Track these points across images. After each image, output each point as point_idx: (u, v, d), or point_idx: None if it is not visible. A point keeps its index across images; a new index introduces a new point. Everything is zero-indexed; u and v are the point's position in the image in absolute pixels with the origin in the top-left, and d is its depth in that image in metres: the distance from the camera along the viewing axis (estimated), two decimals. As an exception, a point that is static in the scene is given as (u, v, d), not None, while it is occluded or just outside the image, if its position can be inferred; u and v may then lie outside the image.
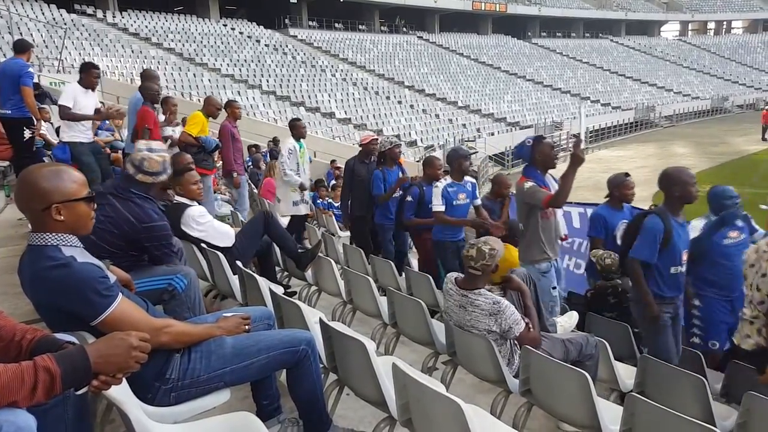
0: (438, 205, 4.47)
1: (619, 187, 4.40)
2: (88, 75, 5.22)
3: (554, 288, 3.77)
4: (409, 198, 4.88)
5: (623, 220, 4.28)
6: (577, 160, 3.38)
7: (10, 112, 5.15)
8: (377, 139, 5.81)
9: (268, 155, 11.53)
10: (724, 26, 57.86)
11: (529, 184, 3.67)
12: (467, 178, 4.69)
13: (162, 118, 5.90)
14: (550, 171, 3.85)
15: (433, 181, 4.83)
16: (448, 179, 4.58)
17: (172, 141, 5.80)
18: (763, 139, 25.79)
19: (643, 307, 3.32)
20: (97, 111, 5.37)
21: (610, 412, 2.33)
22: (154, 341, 1.69)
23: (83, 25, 21.41)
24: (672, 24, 55.16)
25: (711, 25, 57.57)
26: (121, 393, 1.63)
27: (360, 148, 5.78)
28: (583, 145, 3.44)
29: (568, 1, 47.65)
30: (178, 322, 1.97)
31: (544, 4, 44.50)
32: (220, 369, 1.92)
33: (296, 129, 6.30)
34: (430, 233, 4.76)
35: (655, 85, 40.26)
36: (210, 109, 6.00)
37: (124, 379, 1.46)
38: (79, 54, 18.55)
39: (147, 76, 5.76)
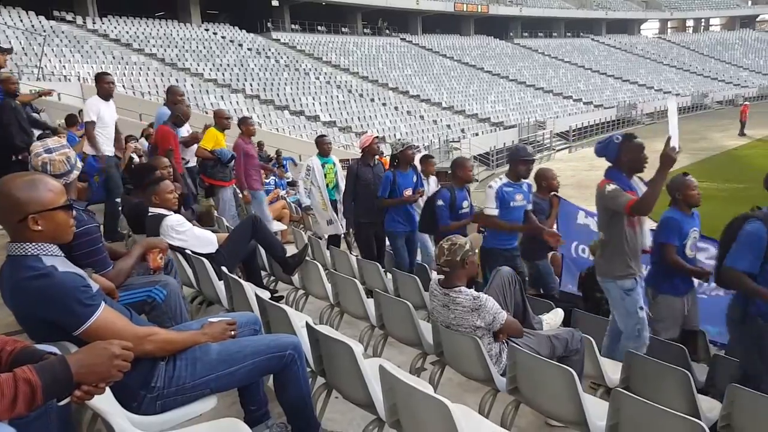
0: (491, 209, 4.09)
1: (681, 189, 3.69)
2: (102, 84, 5.22)
3: (641, 308, 3.28)
4: (440, 202, 4.52)
5: (694, 228, 3.69)
6: (667, 162, 2.95)
7: None
8: (378, 137, 5.59)
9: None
10: (703, 24, 58.92)
11: (611, 186, 3.21)
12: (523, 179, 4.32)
13: (185, 131, 5.87)
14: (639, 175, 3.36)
15: (465, 183, 4.63)
16: (504, 179, 4.20)
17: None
18: (741, 134, 26.27)
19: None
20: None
21: (596, 408, 2.36)
22: (139, 350, 1.68)
23: (63, 32, 21.12)
24: (651, 22, 56.05)
25: (690, 23, 58.57)
26: (105, 403, 1.62)
27: (361, 151, 5.50)
28: (675, 144, 2.96)
29: (549, 1, 48.19)
30: (163, 330, 1.95)
31: (526, 4, 44.93)
32: (206, 376, 1.91)
33: (320, 146, 6.23)
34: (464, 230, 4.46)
35: (636, 83, 40.83)
36: (220, 121, 6.17)
37: (108, 389, 1.45)
38: (59, 61, 18.30)
39: (176, 92, 5.75)
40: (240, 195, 6.82)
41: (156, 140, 5.47)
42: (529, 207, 4.31)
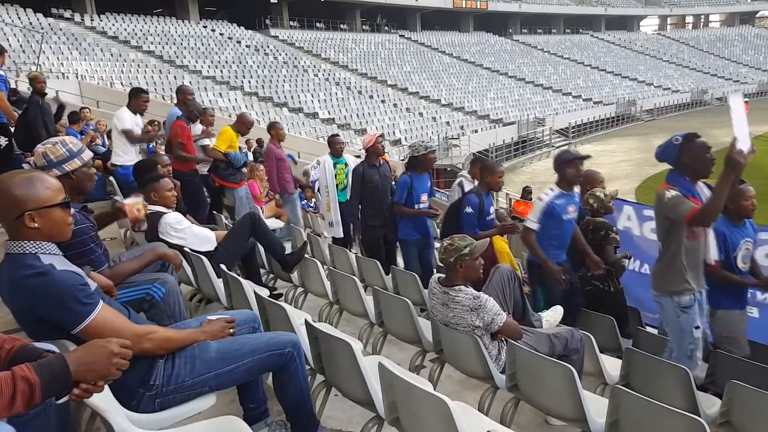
0: (533, 222, 3.68)
1: (735, 198, 3.38)
2: (138, 100, 5.34)
3: (697, 328, 3.00)
4: (469, 209, 4.19)
5: (747, 239, 3.44)
6: (733, 166, 2.64)
7: None
8: (382, 136, 5.40)
9: (249, 155, 11.48)
10: (702, 20, 58.86)
11: (672, 193, 2.88)
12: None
13: (200, 129, 5.94)
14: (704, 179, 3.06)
15: (492, 190, 4.39)
16: (556, 189, 3.73)
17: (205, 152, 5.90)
18: (741, 130, 26.27)
19: None
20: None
21: (596, 405, 2.36)
22: (137, 348, 1.68)
23: (60, 29, 21.07)
24: (651, 18, 55.92)
25: (689, 19, 58.47)
26: (104, 401, 1.62)
27: (365, 152, 5.27)
28: (745, 145, 2.61)
29: (548, -3, 48.15)
30: (161, 328, 1.95)
31: (525, 0, 44.84)
32: (205, 374, 1.91)
33: (332, 146, 6.09)
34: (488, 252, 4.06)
35: (635, 79, 40.79)
36: (241, 127, 6.16)
37: (107, 387, 1.44)
38: (57, 59, 18.26)
39: (187, 91, 5.83)
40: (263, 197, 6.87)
41: (170, 136, 5.60)
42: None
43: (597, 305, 4.14)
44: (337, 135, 6.34)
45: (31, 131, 5.22)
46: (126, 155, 5.38)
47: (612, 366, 3.16)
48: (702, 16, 58.34)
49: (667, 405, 1.98)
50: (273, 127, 6.45)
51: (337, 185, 6.01)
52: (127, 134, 5.34)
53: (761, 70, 46.54)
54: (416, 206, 4.70)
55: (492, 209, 4.47)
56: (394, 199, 4.80)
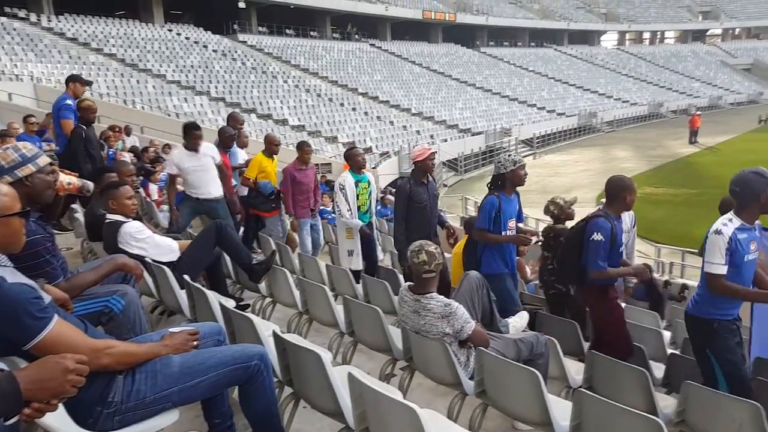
0: (720, 265, 2.77)
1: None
2: (189, 137, 5.11)
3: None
4: (598, 236, 3.27)
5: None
6: None
7: None
8: (435, 153, 4.70)
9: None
10: (658, 36, 61.44)
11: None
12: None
13: (243, 156, 5.98)
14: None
15: (625, 211, 3.51)
16: (735, 220, 2.82)
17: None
18: (691, 142, 27.51)
19: None
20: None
21: (561, 408, 2.40)
22: (95, 363, 1.61)
23: (14, 29, 20.26)
24: (611, 34, 58.11)
25: (646, 35, 61.01)
26: (57, 420, 1.55)
27: (413, 165, 4.62)
28: None
29: (514, 11, 49.35)
30: (120, 342, 1.88)
31: (492, 14, 45.86)
32: (167, 389, 1.85)
33: (352, 160, 5.22)
34: (616, 291, 3.51)
35: (596, 92, 42.16)
36: (268, 147, 6.02)
37: (60, 405, 1.38)
38: (11, 59, 17.56)
39: (238, 120, 5.90)
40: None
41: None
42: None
43: (560, 309, 4.24)
44: (355, 147, 5.59)
45: (74, 162, 5.01)
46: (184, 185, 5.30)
47: (576, 369, 3.23)
48: (658, 33, 60.93)
49: (628, 406, 2.04)
50: (300, 147, 6.05)
51: (359, 207, 5.13)
52: (169, 178, 5.35)
53: (712, 85, 48.92)
54: (503, 233, 3.95)
55: (624, 237, 3.58)
56: (477, 225, 4.01)
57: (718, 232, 2.80)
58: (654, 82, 47.63)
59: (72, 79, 5.93)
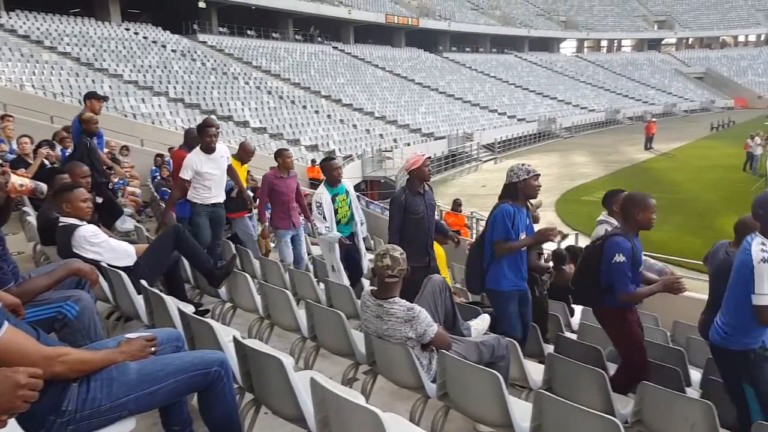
0: None
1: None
2: (203, 136, 4.84)
3: None
4: (620, 257, 3.10)
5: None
6: None
7: None
8: (429, 158, 4.47)
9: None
10: (615, 44, 63.79)
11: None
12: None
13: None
14: None
15: (643, 230, 3.25)
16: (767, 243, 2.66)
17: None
18: (646, 148, 28.64)
19: None
20: None
21: (521, 410, 2.45)
22: (48, 372, 1.56)
23: (-40, 25, 19.28)
24: (570, 41, 59.94)
25: (604, 43, 63.26)
26: (6, 429, 1.48)
27: (408, 174, 4.33)
28: None
29: (476, 17, 50.29)
30: (74, 349, 1.81)
31: (454, 19, 46.60)
32: (123, 397, 1.80)
33: (327, 172, 5.01)
34: (634, 314, 3.36)
35: (555, 98, 43.37)
36: (242, 154, 5.96)
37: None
38: (-44, 56, 16.66)
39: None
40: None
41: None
42: None
43: None
44: (333, 159, 5.18)
45: None
46: (191, 191, 4.97)
47: (536, 371, 3.30)
48: (615, 41, 63.25)
49: (586, 407, 2.10)
50: (279, 155, 5.77)
51: (339, 220, 4.99)
52: (181, 182, 4.94)
53: (666, 92, 51.16)
54: None
55: (641, 257, 3.33)
56: (493, 238, 3.61)
57: (765, 261, 2.58)
58: (611, 89, 49.38)
59: (89, 96, 6.05)
